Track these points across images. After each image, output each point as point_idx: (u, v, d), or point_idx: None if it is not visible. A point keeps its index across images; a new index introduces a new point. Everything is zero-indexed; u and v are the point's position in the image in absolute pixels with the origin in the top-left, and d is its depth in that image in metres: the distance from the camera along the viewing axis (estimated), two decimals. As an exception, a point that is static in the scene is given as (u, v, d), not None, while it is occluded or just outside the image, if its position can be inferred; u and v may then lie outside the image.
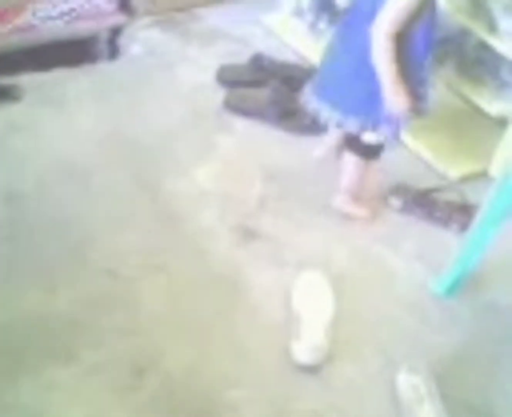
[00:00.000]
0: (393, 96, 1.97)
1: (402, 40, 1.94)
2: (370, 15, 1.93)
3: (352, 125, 2.09)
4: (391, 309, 1.97)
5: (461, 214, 2.24)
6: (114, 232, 2.08)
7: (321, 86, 2.17)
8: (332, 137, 2.38)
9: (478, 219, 1.89)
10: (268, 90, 2.57)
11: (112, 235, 2.07)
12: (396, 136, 2.14)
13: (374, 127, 2.07)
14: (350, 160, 2.20)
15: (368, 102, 2.05)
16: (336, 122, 2.13)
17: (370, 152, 2.16)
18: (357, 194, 2.25)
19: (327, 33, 2.91)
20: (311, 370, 1.78)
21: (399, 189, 2.33)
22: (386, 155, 2.22)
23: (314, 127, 2.54)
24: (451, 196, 2.32)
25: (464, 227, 2.12)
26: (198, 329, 1.86)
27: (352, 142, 2.17)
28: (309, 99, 2.19)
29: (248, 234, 2.14)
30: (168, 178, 2.28)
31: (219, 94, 2.64)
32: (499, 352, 1.90)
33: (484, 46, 2.31)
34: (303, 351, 1.78)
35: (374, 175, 2.29)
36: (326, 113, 2.13)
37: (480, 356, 1.89)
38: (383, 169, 2.34)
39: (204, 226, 2.15)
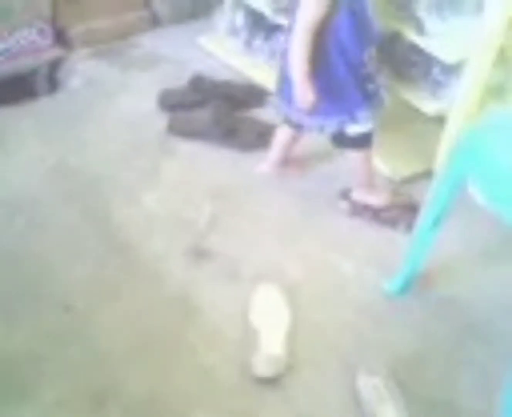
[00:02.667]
0: (300, 93, 2.04)
1: (323, 40, 2.01)
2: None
3: (330, 126, 2.15)
4: (346, 314, 2.00)
5: (407, 213, 2.28)
6: (67, 265, 2.07)
7: (290, 97, 2.18)
8: (276, 151, 2.42)
9: (422, 217, 1.93)
10: (209, 110, 2.59)
11: (65, 268, 2.06)
12: (374, 118, 2.18)
13: (352, 119, 2.13)
14: (351, 156, 2.26)
15: (333, 99, 2.09)
16: (317, 129, 2.19)
17: (361, 141, 2.21)
18: (370, 184, 2.34)
19: (263, 49, 2.97)
20: (272, 382, 1.79)
21: (347, 193, 2.38)
22: (334, 160, 2.26)
23: (259, 142, 2.58)
24: (398, 197, 2.37)
25: (410, 226, 2.17)
26: (158, 353, 1.86)
27: (340, 140, 2.22)
28: (287, 111, 2.23)
29: (201, 254, 2.15)
30: (117, 207, 2.29)
31: (162, 119, 2.66)
32: (454, 346, 1.93)
33: (414, 48, 2.37)
34: (262, 363, 1.79)
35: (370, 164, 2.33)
36: (306, 122, 2.19)
37: (436, 352, 1.92)
38: (332, 175, 2.39)
39: (156, 251, 2.15)
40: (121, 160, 2.48)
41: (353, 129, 2.17)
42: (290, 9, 2.18)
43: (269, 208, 2.34)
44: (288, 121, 2.29)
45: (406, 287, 2.04)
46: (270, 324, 1.90)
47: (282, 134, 2.39)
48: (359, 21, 2.04)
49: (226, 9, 3.13)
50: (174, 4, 3.31)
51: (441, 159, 2.41)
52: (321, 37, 2.00)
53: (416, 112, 2.47)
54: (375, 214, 2.33)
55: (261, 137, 2.60)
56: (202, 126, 2.57)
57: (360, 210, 2.34)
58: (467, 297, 2.07)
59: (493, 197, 1.64)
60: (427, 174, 2.43)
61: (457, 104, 2.35)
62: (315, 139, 2.41)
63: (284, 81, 2.18)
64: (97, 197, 2.32)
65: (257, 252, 2.17)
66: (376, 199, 2.33)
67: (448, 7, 2.32)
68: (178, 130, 2.61)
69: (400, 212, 2.32)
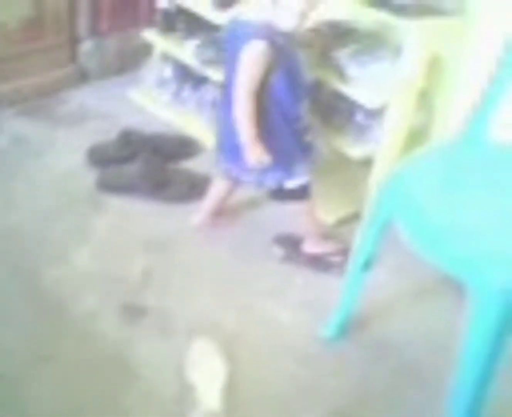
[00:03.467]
0: (252, 155, 2.07)
1: (262, 99, 2.05)
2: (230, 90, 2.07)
3: (269, 181, 2.19)
4: (284, 362, 1.98)
5: (341, 257, 2.30)
6: (-6, 332, 2.00)
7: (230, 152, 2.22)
8: (210, 202, 2.43)
9: (352, 261, 1.95)
10: (138, 164, 2.57)
11: (-8, 335, 1.99)
12: (311, 170, 2.23)
13: (289, 174, 2.18)
14: (293, 211, 2.28)
15: (272, 154, 2.10)
16: (256, 184, 2.22)
17: (300, 193, 2.24)
18: (319, 233, 2.36)
19: (191, 100, 2.98)
20: (211, 439, 1.76)
21: (280, 239, 2.38)
22: (266, 207, 2.26)
23: (191, 194, 2.57)
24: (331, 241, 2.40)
25: (344, 270, 2.19)
26: (91, 415, 1.80)
27: (279, 194, 2.24)
28: (227, 167, 2.26)
29: (134, 311, 2.11)
30: (47, 266, 2.23)
31: (92, 175, 2.63)
32: (391, 389, 1.94)
33: (338, 95, 2.42)
34: (200, 421, 1.76)
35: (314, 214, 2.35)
36: (246, 178, 2.22)
37: (374, 396, 1.92)
38: (264, 222, 2.41)
39: (89, 310, 2.10)
40: (50, 218, 2.44)
41: (291, 183, 2.20)
42: (224, 63, 2.20)
43: (202, 259, 2.32)
44: (227, 175, 2.30)
45: (342, 332, 2.04)
46: (207, 379, 1.87)
47: (218, 187, 2.40)
48: (294, 77, 2.11)
49: (154, 62, 3.14)
50: (101, 59, 3.31)
51: (367, 203, 2.45)
52: (259, 97, 2.05)
53: (346, 158, 2.51)
54: (309, 260, 2.34)
55: (193, 188, 2.59)
56: (132, 181, 2.55)
57: (294, 255, 2.35)
58: (400, 338, 2.08)
59: (417, 241, 1.66)
60: (358, 216, 2.46)
61: (382, 148, 2.40)
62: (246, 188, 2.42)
63: (225, 135, 2.21)
64: (25, 256, 2.26)
65: (191, 305, 2.15)
66: (330, 248, 2.35)
67: (367, 54, 2.38)
68: (107, 185, 2.58)
69: (334, 256, 2.33)
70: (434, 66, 2.38)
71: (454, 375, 1.63)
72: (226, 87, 2.15)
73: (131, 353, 1.97)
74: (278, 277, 2.29)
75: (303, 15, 2.04)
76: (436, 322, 2.13)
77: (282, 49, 2.04)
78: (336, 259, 2.32)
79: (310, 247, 2.35)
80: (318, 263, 2.33)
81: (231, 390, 1.87)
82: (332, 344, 2.04)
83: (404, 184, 1.75)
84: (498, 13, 2.22)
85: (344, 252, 2.29)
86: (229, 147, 2.20)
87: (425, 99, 2.46)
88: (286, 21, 2.02)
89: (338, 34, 2.43)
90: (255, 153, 2.07)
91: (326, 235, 2.40)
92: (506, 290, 1.50)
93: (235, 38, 2.07)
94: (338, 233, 2.44)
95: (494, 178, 1.78)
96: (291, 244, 2.37)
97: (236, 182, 2.33)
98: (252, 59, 2.00)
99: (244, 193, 2.51)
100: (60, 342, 1.99)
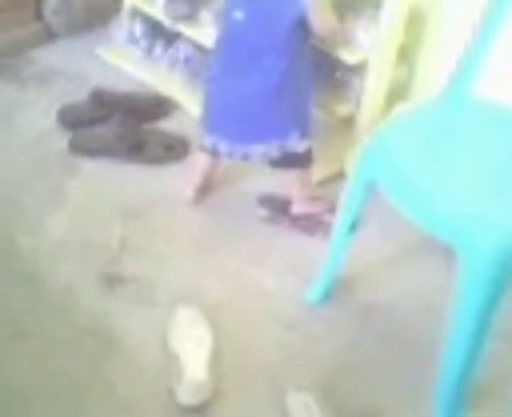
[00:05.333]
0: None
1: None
2: (254, 53, 2.03)
3: (274, 151, 2.13)
4: (270, 329, 1.94)
5: (326, 219, 2.25)
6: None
7: (228, 130, 2.17)
8: (197, 179, 2.35)
9: (337, 223, 1.91)
10: (112, 126, 2.48)
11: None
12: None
13: (303, 135, 2.14)
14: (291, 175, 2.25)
15: (285, 118, 2.10)
16: (262, 155, 2.15)
17: (301, 161, 2.21)
18: (311, 196, 2.31)
19: (163, 58, 2.88)
20: (198, 409, 1.72)
21: (265, 199, 2.33)
22: (254, 177, 2.24)
23: (167, 155, 2.50)
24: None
25: (329, 231, 2.15)
26: (73, 393, 1.74)
27: (279, 163, 2.18)
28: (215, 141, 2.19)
29: (113, 280, 2.05)
30: (19, 234, 2.15)
31: (63, 138, 2.53)
32: (379, 353, 1.91)
33: (318, 52, 2.34)
34: (186, 392, 1.71)
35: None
36: (240, 152, 2.16)
37: (362, 360, 1.89)
38: (251, 190, 2.37)
39: (65, 280, 2.03)
40: (22, 184, 2.34)
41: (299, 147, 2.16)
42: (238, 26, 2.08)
43: (183, 225, 2.26)
44: (213, 152, 2.22)
45: (327, 296, 2.01)
46: (192, 348, 1.82)
47: (202, 162, 2.33)
48: None
49: (123, 18, 3.02)
50: (67, 15, 3.16)
51: (350, 162, 2.40)
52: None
53: (329, 116, 2.45)
54: (295, 221, 2.29)
55: (169, 149, 2.51)
56: (106, 143, 2.46)
57: (278, 216, 2.30)
58: (387, 301, 2.06)
59: (401, 203, 1.63)
60: (342, 175, 2.41)
61: (363, 105, 2.34)
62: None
63: (233, 107, 2.13)
64: (-4, 227, 2.18)
65: (172, 272, 2.09)
66: (319, 207, 2.30)
67: (346, 9, 2.30)
68: (80, 148, 2.48)
69: (318, 218, 2.29)
70: (414, 19, 2.33)
71: (443, 337, 1.61)
72: (243, 54, 2.06)
73: (112, 324, 1.92)
74: (262, 241, 2.23)
75: None
76: (423, 283, 2.11)
77: None
78: (325, 218, 2.27)
79: (299, 208, 2.29)
80: (306, 223, 2.28)
81: (216, 359, 1.82)
82: (318, 308, 2.00)
83: (386, 145, 1.70)
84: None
85: (333, 210, 2.25)
86: (239, 119, 2.13)
87: (406, 54, 2.40)
88: None
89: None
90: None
91: (313, 195, 2.35)
92: (495, 251, 1.48)
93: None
94: (323, 192, 2.37)
95: (478, 137, 1.75)
96: (276, 205, 2.32)
97: (215, 155, 2.25)
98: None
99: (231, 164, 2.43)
100: (38, 315, 1.92)
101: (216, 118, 2.19)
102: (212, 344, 1.85)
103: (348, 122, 2.41)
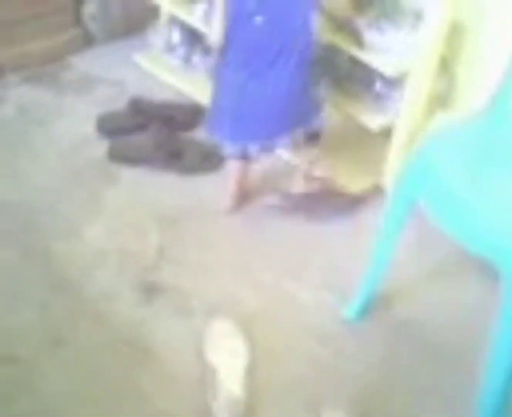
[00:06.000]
0: None
1: None
2: (274, 56, 2.09)
3: (298, 136, 2.23)
4: (305, 344, 1.94)
5: (327, 200, 2.38)
6: (7, 312, 1.95)
7: (255, 131, 2.22)
8: (232, 186, 2.36)
9: (376, 239, 1.89)
10: (150, 134, 2.50)
11: (6, 315, 1.94)
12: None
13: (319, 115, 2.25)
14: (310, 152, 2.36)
15: (307, 108, 2.21)
16: (286, 144, 2.24)
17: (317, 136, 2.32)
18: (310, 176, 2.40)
19: (201, 66, 2.88)
20: (234, 425, 1.72)
21: (277, 192, 2.39)
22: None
23: (204, 165, 2.50)
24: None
25: (331, 212, 2.35)
26: (109, 402, 1.76)
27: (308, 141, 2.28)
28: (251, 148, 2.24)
29: (150, 289, 2.06)
30: (58, 242, 2.17)
31: (102, 145, 2.55)
32: (416, 370, 1.90)
33: (356, 62, 2.34)
34: (222, 408, 1.71)
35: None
36: (268, 146, 2.24)
37: (398, 378, 1.88)
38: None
39: (103, 288, 2.05)
40: (60, 192, 2.37)
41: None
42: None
43: (219, 234, 2.27)
44: (236, 153, 2.25)
45: (364, 311, 1.99)
46: (227, 361, 1.82)
47: (234, 167, 2.35)
48: None
49: (161, 26, 3.03)
50: (106, 21, 3.20)
51: (389, 175, 2.39)
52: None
53: (362, 127, 2.43)
54: (294, 204, 2.36)
55: (206, 159, 2.52)
56: (144, 152, 2.48)
57: (283, 202, 2.36)
58: (424, 318, 2.04)
59: (443, 219, 1.61)
60: (377, 189, 2.40)
61: (402, 117, 2.32)
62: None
63: (239, 115, 2.19)
64: (36, 233, 2.20)
65: (208, 282, 2.10)
66: (313, 187, 2.39)
67: (386, 20, 2.29)
68: (118, 157, 2.50)
69: (320, 198, 2.37)
70: (455, 32, 2.30)
71: (482, 357, 1.59)
72: (265, 53, 2.11)
73: (149, 334, 1.93)
74: (298, 253, 2.23)
75: None
76: (460, 301, 2.09)
77: None
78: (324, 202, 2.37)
79: (297, 187, 2.39)
80: (307, 204, 2.36)
81: (251, 372, 1.82)
82: (354, 325, 1.99)
83: (428, 161, 1.69)
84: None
85: (333, 193, 2.38)
86: (265, 118, 2.17)
87: (446, 66, 2.38)
88: None
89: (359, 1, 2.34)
90: None
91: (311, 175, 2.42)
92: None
93: None
94: (359, 206, 2.39)
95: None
96: (282, 193, 2.39)
97: (246, 158, 2.27)
98: None
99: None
100: (75, 323, 1.94)
101: (241, 123, 2.21)
102: (247, 357, 1.85)
103: (386, 134, 2.39)
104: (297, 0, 2.08)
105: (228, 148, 2.24)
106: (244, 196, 2.40)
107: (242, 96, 2.17)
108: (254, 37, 2.11)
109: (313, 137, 2.30)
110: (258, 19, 2.07)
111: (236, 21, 2.09)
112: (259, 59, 2.12)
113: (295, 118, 2.20)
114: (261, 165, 2.41)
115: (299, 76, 2.13)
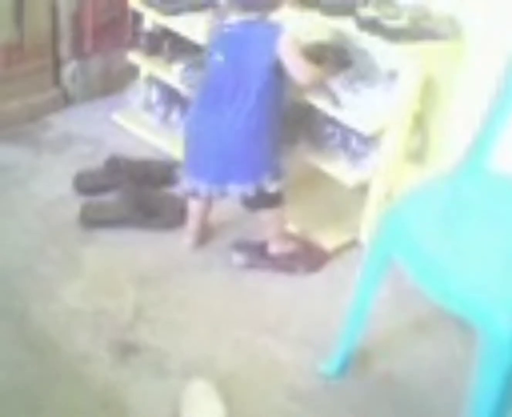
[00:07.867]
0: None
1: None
2: (232, 94, 2.15)
3: (250, 191, 2.21)
4: (283, 403, 1.91)
5: (304, 256, 2.35)
6: (-20, 377, 1.91)
7: (205, 170, 2.24)
8: (194, 222, 2.41)
9: (354, 295, 1.89)
10: (126, 195, 2.50)
11: (-22, 380, 1.90)
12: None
13: (275, 176, 2.23)
14: (265, 216, 2.31)
15: (260, 161, 2.22)
16: (240, 194, 2.24)
17: (274, 200, 2.28)
18: (286, 235, 2.39)
19: (180, 124, 2.91)
20: None
21: (241, 245, 2.38)
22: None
23: (181, 219, 2.50)
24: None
25: (309, 268, 2.32)
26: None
27: (253, 203, 2.26)
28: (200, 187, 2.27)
29: (127, 349, 2.03)
30: (35, 302, 2.15)
31: (79, 204, 2.53)
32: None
33: (330, 121, 2.37)
34: None
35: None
36: (218, 191, 2.25)
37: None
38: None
39: (79, 350, 2.02)
40: (37, 252, 2.35)
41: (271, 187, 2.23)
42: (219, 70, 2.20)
43: (195, 291, 2.26)
44: (192, 192, 2.31)
45: (344, 367, 1.98)
46: (204, 421, 1.80)
47: (193, 206, 2.39)
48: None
49: (140, 85, 3.07)
50: (85, 81, 3.23)
51: (366, 230, 2.41)
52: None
53: (338, 183, 2.46)
54: (273, 263, 2.34)
55: (183, 213, 2.52)
56: (120, 212, 2.47)
57: (258, 261, 2.34)
58: (403, 373, 2.03)
59: (418, 278, 1.62)
60: (355, 244, 2.42)
61: (378, 173, 2.35)
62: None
63: (193, 151, 2.26)
64: (11, 294, 2.17)
65: (185, 341, 2.07)
66: (291, 246, 2.37)
67: (359, 79, 2.33)
68: (92, 220, 2.47)
69: (297, 256, 2.35)
70: (428, 90, 2.35)
71: (459, 411, 1.58)
72: (229, 92, 2.15)
73: (125, 395, 1.90)
74: (275, 308, 2.22)
75: None
76: (439, 356, 2.08)
77: None
78: (302, 255, 2.36)
79: (276, 248, 2.36)
80: (285, 262, 2.34)
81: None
82: (332, 381, 1.97)
83: (402, 220, 1.70)
84: (495, 36, 2.18)
85: (309, 249, 2.38)
86: (215, 158, 2.20)
87: (420, 123, 2.42)
88: None
89: (343, 62, 2.38)
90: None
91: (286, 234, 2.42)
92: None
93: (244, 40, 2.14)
94: (336, 262, 2.40)
95: (496, 211, 1.74)
96: (253, 249, 2.37)
97: (196, 196, 2.33)
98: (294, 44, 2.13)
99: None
100: (50, 386, 1.90)
101: (194, 159, 2.27)
102: (224, 417, 1.82)
103: (363, 190, 2.41)
104: (256, 44, 2.13)
105: (184, 184, 2.31)
106: (207, 235, 2.44)
107: (199, 132, 2.24)
108: (214, 74, 2.21)
109: (269, 203, 2.28)
110: (219, 57, 2.17)
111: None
112: (218, 96, 2.18)
113: (246, 169, 2.21)
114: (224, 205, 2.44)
115: (255, 121, 2.15)
